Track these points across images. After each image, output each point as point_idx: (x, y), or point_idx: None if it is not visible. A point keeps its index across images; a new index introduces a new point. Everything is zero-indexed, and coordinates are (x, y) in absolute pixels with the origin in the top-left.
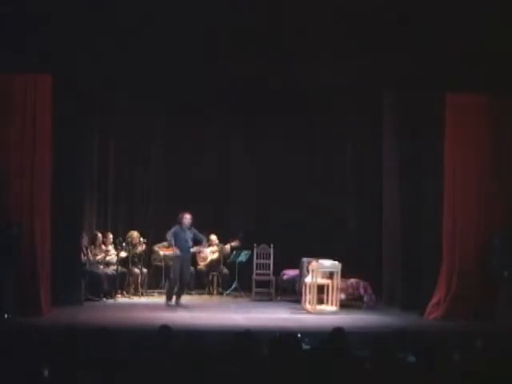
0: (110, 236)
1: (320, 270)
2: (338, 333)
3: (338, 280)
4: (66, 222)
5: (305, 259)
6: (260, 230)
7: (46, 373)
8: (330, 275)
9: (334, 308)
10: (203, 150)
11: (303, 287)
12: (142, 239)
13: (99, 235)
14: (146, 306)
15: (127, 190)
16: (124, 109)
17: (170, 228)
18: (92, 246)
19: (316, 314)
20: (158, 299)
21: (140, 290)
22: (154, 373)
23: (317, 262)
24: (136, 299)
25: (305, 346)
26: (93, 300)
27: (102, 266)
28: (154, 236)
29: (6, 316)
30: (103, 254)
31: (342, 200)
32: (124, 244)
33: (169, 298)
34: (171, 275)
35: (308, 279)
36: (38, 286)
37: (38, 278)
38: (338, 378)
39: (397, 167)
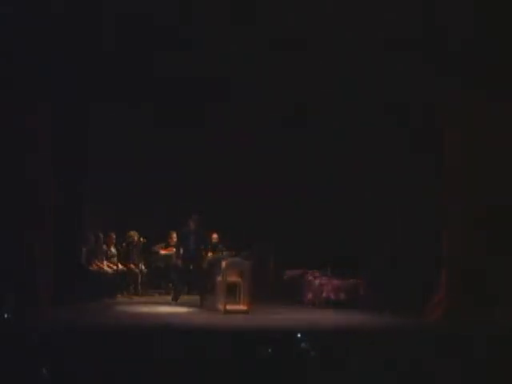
0: (114, 236)
1: (229, 268)
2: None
3: (248, 279)
4: (67, 223)
5: (219, 257)
6: (260, 230)
7: (45, 372)
8: (241, 274)
9: (244, 307)
10: (208, 149)
11: (216, 286)
12: (141, 239)
13: (101, 235)
14: (146, 306)
15: (128, 190)
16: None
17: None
18: (93, 246)
19: (226, 314)
20: (158, 299)
21: (140, 289)
22: (155, 372)
23: (227, 260)
24: (136, 299)
25: (304, 346)
26: (93, 300)
27: (102, 266)
28: (154, 236)
29: (5, 316)
30: (104, 254)
31: (340, 201)
32: (124, 244)
33: (174, 298)
34: (174, 276)
35: (219, 278)
36: (38, 285)
37: (38, 278)
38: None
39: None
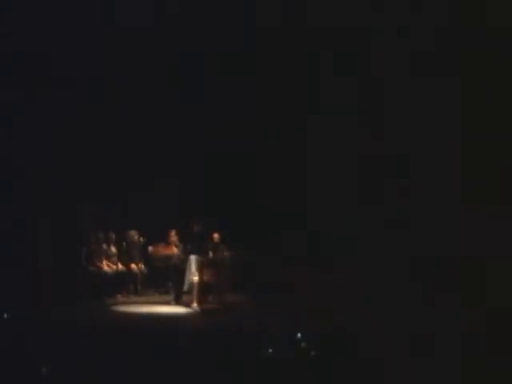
0: (113, 236)
1: (205, 268)
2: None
3: (223, 278)
4: (67, 223)
5: (192, 256)
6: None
7: (45, 372)
8: (216, 273)
9: (218, 306)
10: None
11: (191, 286)
12: (141, 239)
13: (100, 235)
14: (146, 306)
15: (128, 189)
16: None
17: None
18: (93, 246)
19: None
20: (158, 299)
21: (140, 289)
22: (155, 372)
23: (202, 259)
24: (136, 299)
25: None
26: (93, 300)
27: (102, 266)
28: (154, 236)
29: (5, 316)
30: (104, 254)
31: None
32: (124, 244)
33: (176, 299)
34: (174, 276)
35: (194, 277)
36: (38, 286)
37: (38, 278)
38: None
39: None
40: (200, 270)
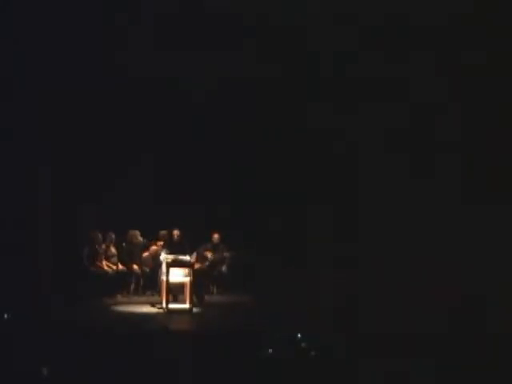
0: (113, 236)
1: (174, 267)
2: None
3: (193, 277)
4: (67, 223)
5: (163, 255)
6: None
7: (45, 372)
8: (188, 273)
9: (186, 306)
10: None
11: (162, 285)
12: (142, 239)
13: (99, 235)
14: (146, 306)
15: (128, 189)
16: None
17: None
18: (93, 246)
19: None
20: (158, 299)
21: (140, 289)
22: (154, 372)
23: (173, 258)
24: (136, 299)
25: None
26: (93, 300)
27: (102, 266)
28: (155, 236)
29: (5, 316)
30: (104, 254)
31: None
32: (124, 243)
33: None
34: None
35: (164, 277)
36: (38, 285)
37: (38, 278)
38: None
39: None
40: (167, 269)
